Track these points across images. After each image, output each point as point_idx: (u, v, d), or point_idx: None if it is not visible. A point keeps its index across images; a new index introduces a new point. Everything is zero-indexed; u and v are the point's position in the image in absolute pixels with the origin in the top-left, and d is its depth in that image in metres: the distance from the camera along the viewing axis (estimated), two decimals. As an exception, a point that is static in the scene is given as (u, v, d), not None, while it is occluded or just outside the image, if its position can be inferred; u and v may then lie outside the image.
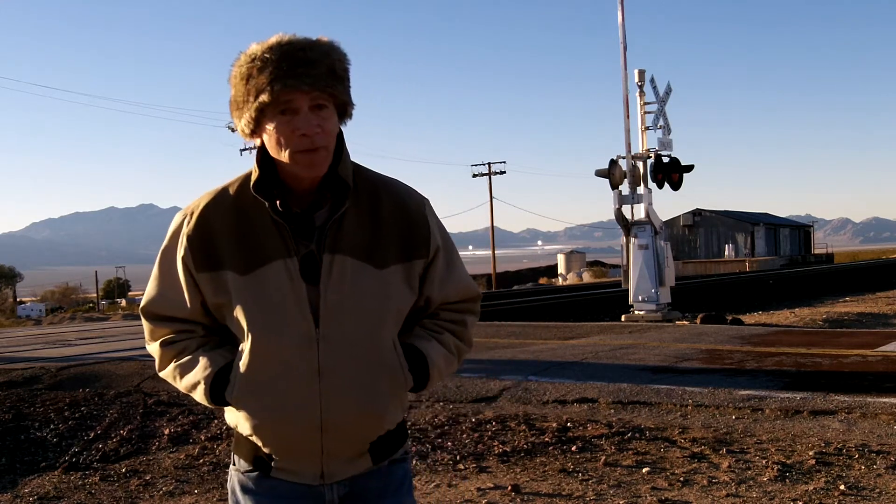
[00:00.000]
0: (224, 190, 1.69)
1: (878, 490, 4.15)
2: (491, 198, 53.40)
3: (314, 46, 1.58)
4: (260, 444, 1.67)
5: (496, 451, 5.23)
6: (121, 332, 16.36)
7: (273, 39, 1.58)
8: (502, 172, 53.90)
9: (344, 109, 1.64)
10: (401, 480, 1.78)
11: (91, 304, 70.18)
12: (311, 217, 1.64)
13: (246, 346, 1.62)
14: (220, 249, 1.63)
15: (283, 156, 1.58)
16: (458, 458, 5.15)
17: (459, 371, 7.70)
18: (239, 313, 1.61)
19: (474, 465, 4.97)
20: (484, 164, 54.07)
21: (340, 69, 1.60)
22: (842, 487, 4.19)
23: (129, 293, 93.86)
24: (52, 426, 6.70)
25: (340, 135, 1.67)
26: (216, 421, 6.38)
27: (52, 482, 5.14)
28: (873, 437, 5.13)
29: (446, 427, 5.93)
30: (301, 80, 1.54)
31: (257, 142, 1.65)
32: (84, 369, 9.62)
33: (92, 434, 6.40)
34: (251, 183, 1.63)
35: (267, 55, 1.56)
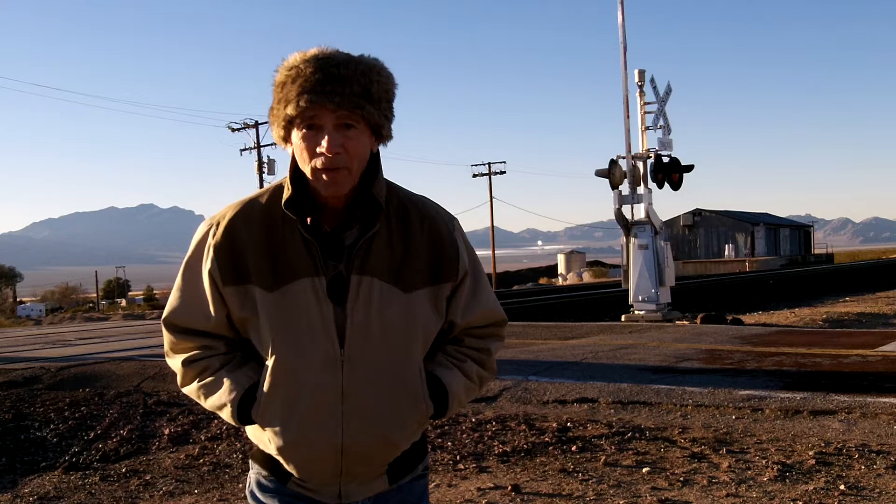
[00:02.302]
0: (252, 202, 1.64)
1: (878, 490, 4.15)
2: (491, 198, 53.42)
3: (350, 63, 1.53)
4: (282, 461, 1.65)
5: (496, 451, 5.22)
6: (121, 332, 16.37)
7: (313, 51, 1.55)
8: (502, 172, 53.89)
9: (378, 131, 1.58)
10: (419, 496, 1.78)
11: (91, 304, 70.18)
12: (340, 236, 1.60)
13: (269, 365, 1.58)
14: (248, 263, 1.59)
15: (306, 170, 1.56)
16: (458, 458, 5.14)
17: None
18: (264, 330, 1.58)
19: (474, 465, 4.97)
20: (484, 164, 54.10)
21: (379, 90, 1.55)
22: (842, 487, 4.19)
23: (129, 293, 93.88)
24: (52, 426, 6.70)
25: (376, 155, 1.63)
26: (216, 421, 6.38)
27: (52, 482, 5.13)
28: (873, 437, 5.13)
29: (446, 427, 5.92)
30: (327, 97, 1.50)
31: (289, 151, 1.62)
32: (84, 369, 9.63)
33: (92, 434, 6.40)
34: (283, 199, 1.59)
35: (302, 66, 1.52)
